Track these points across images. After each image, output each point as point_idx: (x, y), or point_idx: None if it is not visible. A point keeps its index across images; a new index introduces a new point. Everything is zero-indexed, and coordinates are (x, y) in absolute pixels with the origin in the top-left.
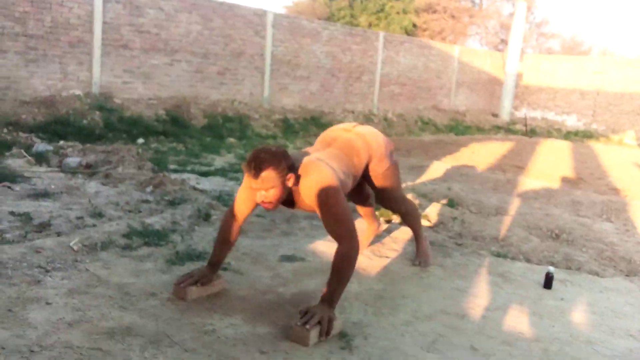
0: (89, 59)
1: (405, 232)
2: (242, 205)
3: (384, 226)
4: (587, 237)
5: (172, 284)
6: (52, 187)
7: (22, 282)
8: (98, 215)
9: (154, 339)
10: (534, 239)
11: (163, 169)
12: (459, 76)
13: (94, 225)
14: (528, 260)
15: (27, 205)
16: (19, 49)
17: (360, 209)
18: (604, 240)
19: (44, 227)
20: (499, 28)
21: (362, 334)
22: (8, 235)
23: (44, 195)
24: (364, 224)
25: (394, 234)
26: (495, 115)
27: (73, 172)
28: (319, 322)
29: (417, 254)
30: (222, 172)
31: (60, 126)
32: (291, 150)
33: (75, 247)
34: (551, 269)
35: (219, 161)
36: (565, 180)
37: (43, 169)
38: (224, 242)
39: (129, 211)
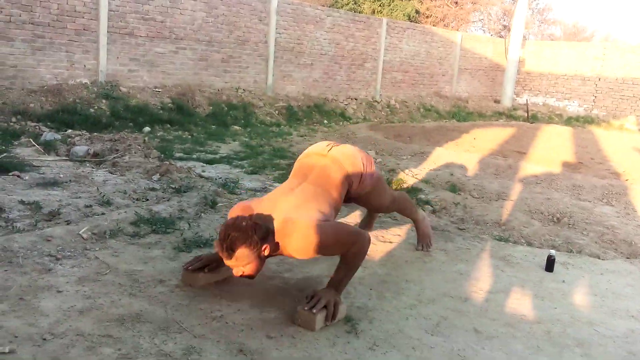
0: (95, 47)
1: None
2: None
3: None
4: (588, 220)
5: (180, 270)
6: (61, 175)
7: (33, 271)
8: (106, 203)
9: (163, 325)
10: (535, 223)
11: (169, 157)
12: (461, 62)
13: (103, 214)
14: (529, 244)
15: (37, 194)
16: (26, 37)
17: None
18: (605, 223)
19: (53, 216)
20: (501, 14)
21: (367, 317)
22: (18, 224)
23: (52, 184)
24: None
25: (397, 218)
26: (497, 101)
27: (81, 160)
28: (325, 307)
29: (418, 239)
30: (227, 160)
31: (67, 115)
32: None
33: (84, 235)
34: (552, 252)
35: (224, 149)
36: (566, 165)
37: (51, 157)
38: None
39: (137, 199)
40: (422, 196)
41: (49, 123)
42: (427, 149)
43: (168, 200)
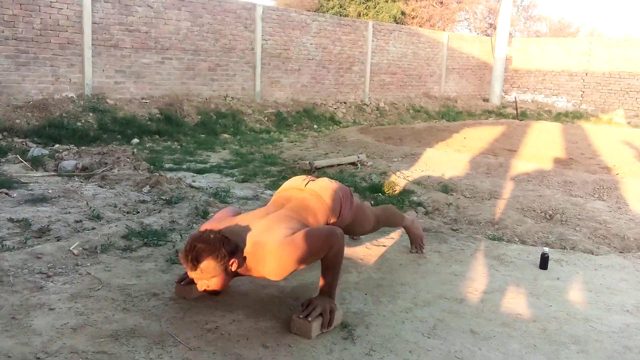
0: (80, 60)
1: None
2: None
3: None
4: (580, 216)
5: (173, 283)
6: (50, 191)
7: (25, 289)
8: (96, 217)
9: (158, 339)
10: (528, 221)
11: (159, 168)
12: (449, 62)
13: (93, 228)
14: (523, 242)
15: (26, 211)
16: (9, 53)
17: None
18: (597, 218)
19: (43, 233)
20: (487, 13)
21: (363, 323)
22: (8, 242)
23: (41, 200)
24: None
25: None
26: (485, 99)
27: (69, 175)
28: (321, 314)
29: (411, 242)
30: (217, 169)
31: (54, 129)
32: (236, 223)
33: (75, 251)
34: (546, 249)
35: (214, 158)
36: (557, 161)
37: (39, 173)
38: None
39: (127, 212)
40: (415, 198)
41: (36, 138)
42: (418, 150)
43: (159, 212)
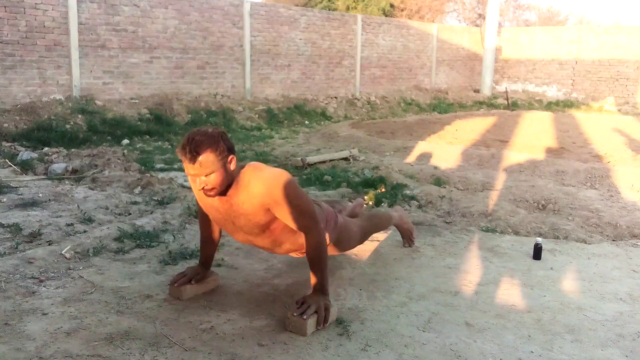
0: (68, 62)
1: None
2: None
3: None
4: (573, 205)
5: (166, 284)
6: (40, 195)
7: (17, 295)
8: (88, 220)
9: (153, 341)
10: (521, 212)
11: (150, 168)
12: (439, 54)
13: (85, 231)
14: (516, 233)
15: (16, 216)
16: None
17: None
18: (589, 207)
19: (34, 237)
20: (475, 3)
21: (359, 318)
22: None
23: (32, 204)
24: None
25: None
26: (476, 90)
27: (59, 178)
28: (316, 311)
29: (402, 237)
30: None
31: (43, 132)
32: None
33: (67, 255)
34: (539, 239)
35: None
36: (548, 150)
37: (29, 177)
38: (207, 242)
39: (119, 214)
40: (408, 191)
41: (24, 142)
42: (410, 144)
43: (151, 213)
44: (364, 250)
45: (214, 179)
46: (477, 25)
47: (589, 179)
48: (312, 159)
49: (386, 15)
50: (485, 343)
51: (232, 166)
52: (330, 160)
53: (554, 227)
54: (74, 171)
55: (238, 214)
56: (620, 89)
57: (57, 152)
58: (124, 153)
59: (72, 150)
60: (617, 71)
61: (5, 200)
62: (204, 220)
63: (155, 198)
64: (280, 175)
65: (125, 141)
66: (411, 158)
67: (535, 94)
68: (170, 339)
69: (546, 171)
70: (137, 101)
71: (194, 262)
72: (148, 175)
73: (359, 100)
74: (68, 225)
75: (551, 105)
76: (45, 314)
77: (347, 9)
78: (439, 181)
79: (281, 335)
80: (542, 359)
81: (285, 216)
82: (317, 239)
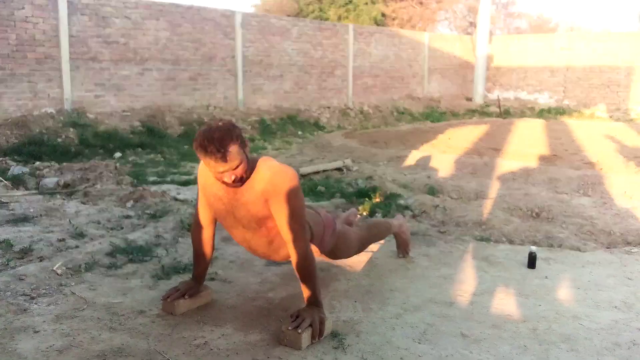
0: (59, 75)
1: None
2: (202, 208)
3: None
4: (566, 213)
5: (160, 299)
6: (31, 210)
7: (8, 312)
8: (80, 235)
9: (146, 357)
10: (515, 220)
11: (142, 182)
12: (431, 63)
13: (77, 247)
14: (511, 242)
15: (7, 232)
16: None
17: None
18: (583, 214)
19: (25, 253)
20: (466, 11)
21: (354, 331)
22: None
23: (23, 219)
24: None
25: None
26: (469, 99)
27: (51, 193)
28: (310, 325)
29: (397, 247)
30: None
31: (34, 147)
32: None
33: (59, 271)
34: (533, 248)
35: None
36: (541, 158)
37: (20, 192)
38: (200, 256)
39: (111, 228)
40: (401, 201)
41: (15, 157)
42: (404, 153)
43: (144, 227)
44: (358, 261)
45: (242, 168)
46: (468, 34)
47: (582, 186)
48: (305, 169)
49: (378, 25)
50: (481, 354)
51: (248, 151)
52: (324, 171)
53: (548, 235)
54: (66, 185)
55: (240, 204)
56: (611, 95)
57: (49, 167)
58: (116, 166)
59: (64, 164)
60: (608, 78)
61: None
62: (198, 233)
63: (148, 211)
64: (288, 170)
65: (118, 154)
66: (405, 167)
67: (527, 102)
68: (163, 356)
69: (539, 179)
70: (129, 114)
71: (187, 277)
72: (140, 188)
73: (351, 110)
74: (60, 240)
75: (543, 113)
76: (37, 331)
77: (339, 18)
78: (432, 190)
79: (276, 349)
80: None
81: (278, 212)
82: (302, 250)
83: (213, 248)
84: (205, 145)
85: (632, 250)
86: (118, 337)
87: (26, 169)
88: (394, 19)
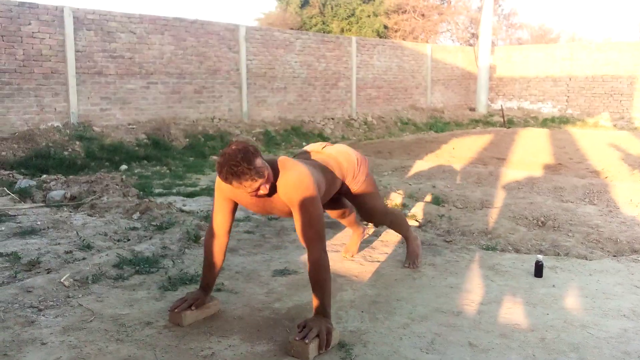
0: (65, 89)
1: (395, 234)
2: (223, 217)
3: (370, 230)
4: (572, 221)
5: (166, 310)
6: (38, 223)
7: (16, 324)
8: (87, 247)
9: None
10: (520, 229)
11: (148, 194)
12: (434, 74)
13: (84, 259)
14: (517, 251)
15: (14, 244)
16: None
17: (343, 221)
18: (589, 223)
19: (33, 265)
20: (468, 23)
21: (361, 341)
22: None
23: (30, 232)
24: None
25: (384, 237)
26: (472, 109)
27: (58, 205)
28: (318, 335)
29: (407, 256)
30: (207, 192)
31: (41, 160)
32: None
33: (66, 283)
34: (540, 257)
35: (204, 180)
36: (546, 167)
37: (27, 205)
38: (211, 265)
39: (118, 240)
40: (407, 211)
41: (22, 170)
42: (408, 163)
43: (150, 239)
44: (364, 271)
45: (269, 176)
46: (470, 45)
47: (588, 194)
48: None
49: (380, 37)
50: None
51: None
52: None
53: (554, 243)
54: (73, 198)
55: (273, 205)
56: (614, 104)
57: (56, 179)
58: (122, 179)
59: (71, 177)
60: (610, 87)
61: (3, 228)
62: (211, 242)
63: (154, 223)
64: (300, 180)
65: (124, 167)
66: (409, 177)
67: (530, 111)
68: None
69: (544, 188)
70: (134, 127)
71: (193, 287)
72: (147, 200)
73: (355, 120)
74: (67, 252)
75: (547, 122)
76: (45, 343)
77: (342, 31)
78: (437, 200)
79: None
80: None
81: (296, 219)
82: (318, 257)
83: (224, 258)
84: (234, 169)
85: (639, 259)
86: (125, 348)
87: (33, 182)
88: (396, 31)
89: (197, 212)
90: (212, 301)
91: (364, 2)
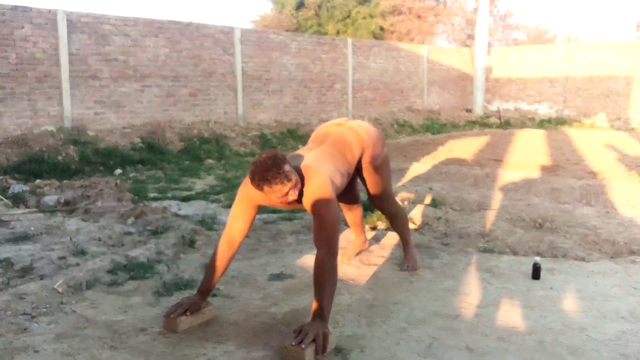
0: (59, 93)
1: (392, 238)
2: (240, 221)
3: (370, 234)
4: (570, 223)
5: (161, 316)
6: (32, 228)
7: (8, 332)
8: (81, 253)
9: None
10: (518, 231)
11: (143, 198)
12: (430, 75)
13: (78, 264)
14: (514, 253)
15: (7, 250)
16: None
17: (349, 215)
18: (586, 224)
19: (26, 272)
20: (464, 24)
21: (358, 346)
22: None
23: (23, 238)
24: (351, 235)
25: (381, 240)
26: (468, 110)
27: (52, 210)
28: (314, 340)
29: (405, 259)
30: (203, 196)
31: (35, 165)
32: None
33: (59, 289)
34: (537, 259)
35: (199, 184)
36: (543, 168)
37: (21, 210)
38: (217, 270)
39: (112, 246)
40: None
41: (16, 175)
42: (404, 165)
43: (145, 244)
44: (361, 275)
45: (296, 180)
46: (466, 46)
47: (585, 196)
48: None
49: (376, 38)
50: None
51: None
52: None
53: (552, 245)
54: (66, 203)
55: (299, 207)
56: (611, 105)
57: (49, 184)
58: (116, 183)
59: (65, 181)
60: (607, 87)
61: None
62: (223, 247)
63: (149, 228)
64: (321, 189)
65: (118, 171)
66: (406, 180)
67: (527, 112)
68: None
69: (541, 189)
70: (129, 130)
71: (188, 293)
72: (141, 204)
73: None
74: (60, 258)
75: (544, 123)
76: (37, 351)
77: (337, 33)
78: (434, 202)
79: None
80: None
81: (313, 220)
82: (325, 258)
83: (229, 265)
84: (265, 174)
85: (637, 260)
86: (119, 355)
87: (26, 187)
88: (392, 33)
89: (193, 217)
90: (208, 307)
91: (359, 4)
